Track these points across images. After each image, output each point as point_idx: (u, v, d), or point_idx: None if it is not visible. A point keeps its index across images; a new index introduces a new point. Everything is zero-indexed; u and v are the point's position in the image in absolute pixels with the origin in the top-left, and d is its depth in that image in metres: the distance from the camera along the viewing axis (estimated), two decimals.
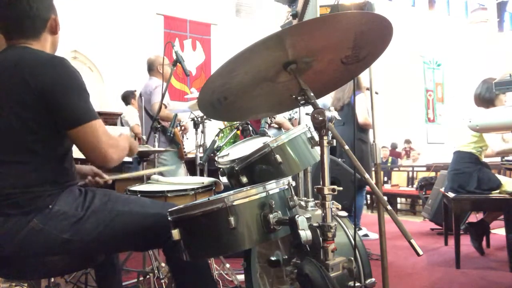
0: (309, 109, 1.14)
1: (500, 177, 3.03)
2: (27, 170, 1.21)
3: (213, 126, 3.90)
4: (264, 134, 1.82)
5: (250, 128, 2.11)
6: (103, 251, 1.40)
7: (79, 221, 1.23)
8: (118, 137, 1.43)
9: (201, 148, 2.83)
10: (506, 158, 3.14)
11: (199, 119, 2.82)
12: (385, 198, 1.27)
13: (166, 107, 3.33)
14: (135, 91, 5.10)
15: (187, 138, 3.60)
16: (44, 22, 1.33)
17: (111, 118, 5.18)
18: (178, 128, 3.40)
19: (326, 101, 3.90)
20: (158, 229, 1.31)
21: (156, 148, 2.45)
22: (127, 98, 5.15)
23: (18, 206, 1.18)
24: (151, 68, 3.63)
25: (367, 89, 3.59)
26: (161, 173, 3.14)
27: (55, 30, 1.37)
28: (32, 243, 1.18)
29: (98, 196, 1.32)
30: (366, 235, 4.02)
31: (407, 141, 9.87)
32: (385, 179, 7.62)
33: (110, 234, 1.28)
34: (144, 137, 2.91)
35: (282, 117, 3.86)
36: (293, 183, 1.24)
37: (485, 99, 3.02)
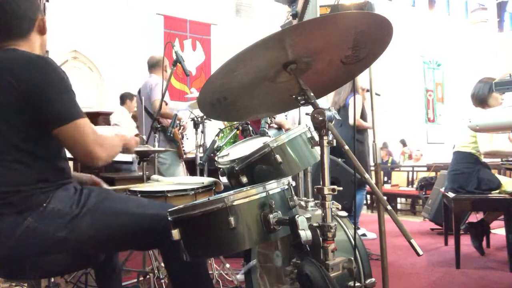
0: (309, 109, 1.14)
1: (500, 177, 3.03)
2: (19, 169, 1.20)
3: (213, 126, 3.89)
4: (264, 134, 1.82)
5: (250, 128, 2.11)
6: (101, 250, 1.40)
7: (74, 219, 1.23)
8: (108, 136, 1.43)
9: (201, 148, 2.83)
10: (506, 158, 3.14)
11: (199, 119, 2.82)
12: (385, 198, 1.27)
13: (166, 104, 3.33)
14: (135, 95, 5.14)
15: (187, 138, 3.60)
16: (32, 22, 1.32)
17: None
18: (178, 127, 3.39)
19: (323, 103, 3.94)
20: (155, 229, 1.30)
21: (156, 148, 2.45)
22: (123, 98, 5.19)
23: (12, 205, 1.18)
24: (155, 66, 3.55)
25: (367, 90, 3.61)
26: (160, 173, 3.14)
27: (43, 30, 1.37)
28: (28, 242, 1.17)
29: (94, 194, 1.31)
30: (364, 235, 4.02)
31: (403, 143, 9.76)
32: (385, 179, 7.61)
33: (107, 233, 1.27)
34: (144, 137, 2.91)
35: (282, 117, 3.86)
36: (293, 183, 1.24)
37: (479, 98, 3.03)
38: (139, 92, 3.62)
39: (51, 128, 1.22)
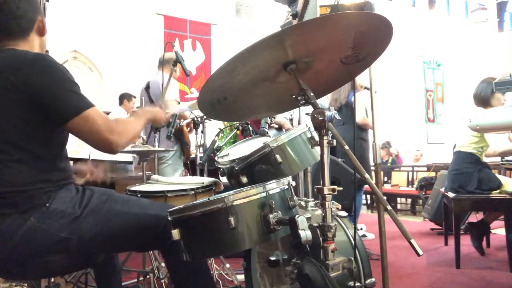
0: (309, 109, 1.14)
1: (500, 177, 3.03)
2: (20, 169, 1.20)
3: (213, 126, 3.89)
4: (264, 134, 1.82)
5: (250, 128, 2.11)
6: (102, 250, 1.40)
7: (77, 219, 1.23)
8: (121, 119, 1.42)
9: (201, 148, 2.83)
10: (506, 158, 3.14)
11: (199, 119, 2.82)
12: (385, 198, 1.27)
13: (179, 103, 3.31)
14: (133, 96, 5.14)
15: None
16: (31, 23, 1.33)
17: None
18: (185, 125, 3.37)
19: (323, 102, 3.88)
20: (156, 230, 1.31)
21: (156, 148, 2.45)
22: (121, 98, 5.21)
23: (14, 205, 1.18)
24: (165, 64, 3.39)
25: (366, 88, 3.59)
26: (159, 173, 3.14)
27: (43, 31, 1.37)
28: (30, 242, 1.17)
29: (96, 195, 1.31)
30: (364, 236, 4.01)
31: (388, 144, 9.66)
32: (385, 179, 7.61)
33: (108, 233, 1.27)
34: (144, 137, 2.91)
35: (282, 118, 3.86)
36: (293, 183, 1.24)
37: (481, 98, 3.04)
38: (147, 87, 3.50)
39: (63, 122, 1.21)
